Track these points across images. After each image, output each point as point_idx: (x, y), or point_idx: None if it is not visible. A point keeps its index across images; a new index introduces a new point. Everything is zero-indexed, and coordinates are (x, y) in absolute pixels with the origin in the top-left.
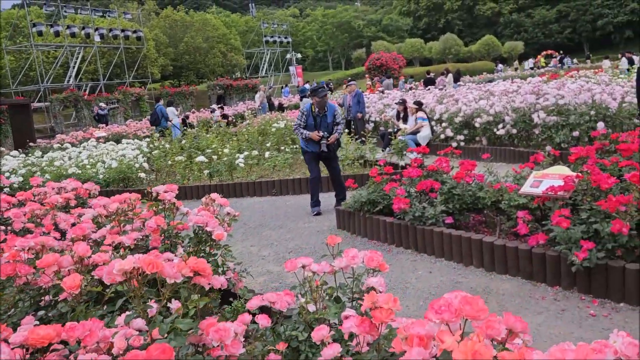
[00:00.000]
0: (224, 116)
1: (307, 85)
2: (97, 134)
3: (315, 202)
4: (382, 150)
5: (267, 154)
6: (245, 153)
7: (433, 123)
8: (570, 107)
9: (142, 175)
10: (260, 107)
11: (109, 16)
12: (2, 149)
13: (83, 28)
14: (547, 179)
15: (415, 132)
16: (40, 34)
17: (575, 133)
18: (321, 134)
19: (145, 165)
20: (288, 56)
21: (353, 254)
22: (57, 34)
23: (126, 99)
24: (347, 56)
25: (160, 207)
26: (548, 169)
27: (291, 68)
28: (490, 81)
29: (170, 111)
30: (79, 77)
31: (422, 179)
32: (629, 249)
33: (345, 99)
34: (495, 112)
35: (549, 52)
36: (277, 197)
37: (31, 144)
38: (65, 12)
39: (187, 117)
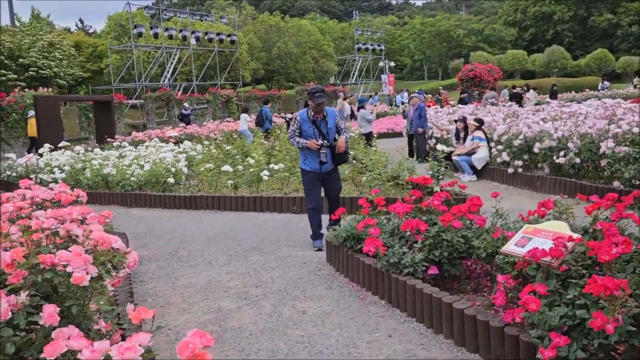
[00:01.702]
0: (288, 123)
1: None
2: (169, 133)
3: (317, 235)
4: None
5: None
6: (280, 165)
7: (493, 144)
8: None
9: (171, 180)
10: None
11: (205, 20)
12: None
13: (180, 31)
14: (537, 237)
15: (471, 153)
16: (140, 35)
17: None
18: (320, 142)
19: (185, 169)
20: (381, 64)
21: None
22: (156, 35)
23: (216, 100)
24: (445, 66)
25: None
26: (543, 224)
27: (383, 76)
28: (586, 99)
29: (243, 117)
30: (174, 77)
31: (417, 215)
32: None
33: (408, 112)
34: (558, 137)
35: None
36: (296, 214)
37: (109, 139)
38: (165, 15)
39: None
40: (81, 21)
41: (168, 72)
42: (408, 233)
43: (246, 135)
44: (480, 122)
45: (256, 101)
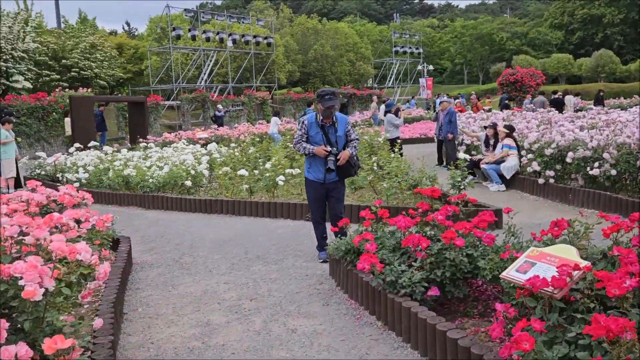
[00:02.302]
0: None
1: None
2: (199, 134)
3: (322, 246)
4: None
5: None
6: (297, 170)
7: (524, 152)
8: None
9: (188, 183)
10: (372, 118)
11: (243, 22)
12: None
13: (218, 33)
14: (542, 262)
15: (500, 162)
16: (178, 37)
17: None
18: (329, 148)
19: (206, 172)
20: (419, 67)
21: None
22: (193, 38)
23: (250, 102)
24: (486, 70)
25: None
26: (550, 248)
27: (421, 80)
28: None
29: (274, 121)
30: (210, 79)
31: (423, 231)
32: None
33: (438, 116)
34: (593, 146)
35: None
36: (309, 222)
37: (140, 139)
38: (204, 17)
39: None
40: (127, 24)
41: (205, 73)
42: (412, 249)
43: (275, 138)
44: (510, 129)
45: (291, 104)
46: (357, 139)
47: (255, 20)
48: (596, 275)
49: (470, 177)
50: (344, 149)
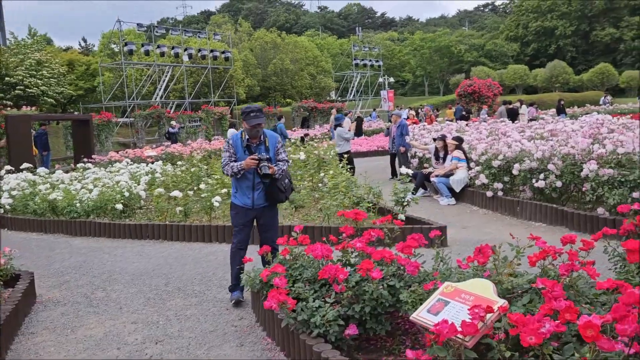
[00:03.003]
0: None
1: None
2: (147, 152)
3: (236, 284)
4: (413, 193)
5: None
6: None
7: (473, 164)
8: (638, 158)
9: (119, 206)
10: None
11: (199, 37)
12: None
13: (173, 48)
14: (455, 301)
15: (449, 174)
16: (131, 52)
17: (636, 194)
18: (257, 155)
19: (143, 194)
20: (380, 80)
21: None
22: (147, 53)
23: (208, 118)
24: (446, 81)
25: None
26: (465, 283)
27: (382, 92)
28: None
29: (230, 133)
30: (166, 95)
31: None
32: None
33: (390, 129)
34: (538, 157)
35: None
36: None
37: (85, 159)
38: (157, 32)
39: None
40: (84, 40)
41: (160, 89)
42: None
43: None
44: (459, 140)
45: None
46: (287, 160)
47: (212, 34)
48: (510, 320)
49: (422, 190)
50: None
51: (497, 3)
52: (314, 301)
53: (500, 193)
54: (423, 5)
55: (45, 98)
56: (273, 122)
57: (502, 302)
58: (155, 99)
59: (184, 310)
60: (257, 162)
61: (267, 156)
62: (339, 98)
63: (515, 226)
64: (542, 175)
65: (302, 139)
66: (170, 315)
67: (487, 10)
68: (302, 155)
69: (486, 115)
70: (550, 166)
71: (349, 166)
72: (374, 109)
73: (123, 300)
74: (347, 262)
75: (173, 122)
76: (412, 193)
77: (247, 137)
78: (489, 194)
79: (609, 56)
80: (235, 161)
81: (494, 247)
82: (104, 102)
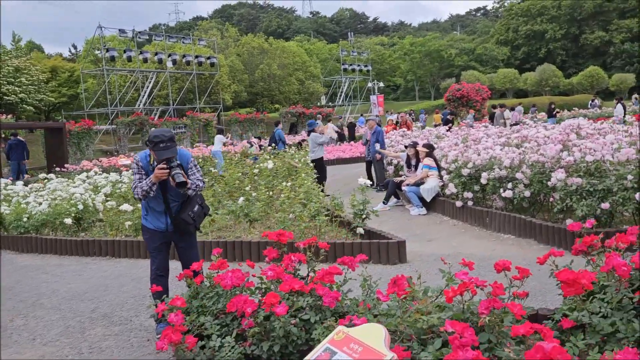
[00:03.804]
0: (261, 147)
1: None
2: (121, 161)
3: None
4: (384, 203)
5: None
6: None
7: (444, 172)
8: (607, 166)
9: (68, 221)
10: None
11: (184, 43)
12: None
13: (156, 54)
14: (343, 352)
15: (420, 183)
16: (112, 58)
17: (605, 205)
18: (164, 165)
19: (100, 206)
20: (369, 85)
21: None
22: (129, 59)
23: (194, 124)
24: (437, 86)
25: None
26: (358, 329)
27: (372, 97)
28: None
29: (218, 139)
30: (150, 102)
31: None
32: None
33: (365, 136)
34: (507, 165)
35: None
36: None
37: (57, 168)
38: (140, 37)
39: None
40: (74, 46)
41: (143, 96)
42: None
43: (217, 157)
44: (430, 147)
45: (237, 124)
46: (202, 182)
47: (197, 40)
48: None
49: (394, 200)
50: (186, 198)
51: (488, 7)
52: (220, 338)
53: (470, 203)
54: (416, 9)
55: (24, 106)
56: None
57: (389, 356)
58: (139, 105)
59: (101, 341)
60: (168, 171)
61: (178, 162)
62: (330, 103)
63: (483, 238)
64: (510, 185)
65: (300, 144)
66: (84, 348)
67: (478, 14)
68: (270, 164)
69: (473, 120)
70: (519, 175)
71: (316, 175)
72: (361, 115)
73: (40, 330)
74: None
75: (153, 130)
76: (384, 203)
77: (155, 161)
78: (459, 204)
79: (599, 59)
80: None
81: (409, 279)
82: (86, 109)
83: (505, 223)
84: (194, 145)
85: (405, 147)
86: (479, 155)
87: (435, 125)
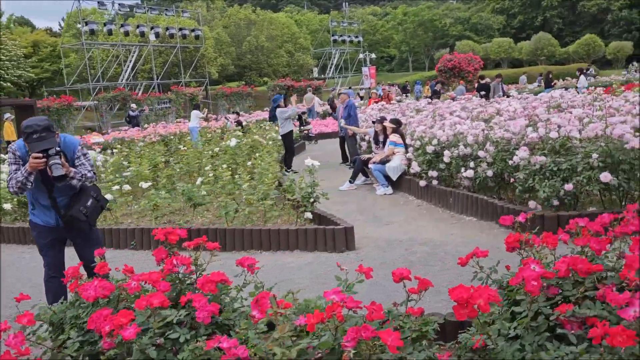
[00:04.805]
0: (238, 123)
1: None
2: (93, 139)
3: None
4: (350, 182)
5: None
6: (147, 183)
7: (411, 150)
8: (576, 143)
9: (7, 206)
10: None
11: (167, 15)
12: None
13: (138, 27)
14: None
15: (386, 161)
16: (92, 32)
17: (569, 186)
18: (39, 154)
19: None
20: (361, 56)
21: None
22: (110, 32)
23: (178, 99)
24: (431, 56)
25: None
26: None
27: (364, 69)
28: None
29: (194, 115)
30: (134, 76)
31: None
32: None
33: (338, 111)
34: (470, 142)
35: None
36: (136, 251)
37: None
38: (121, 10)
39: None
40: (64, 20)
41: (126, 70)
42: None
43: (193, 133)
44: (397, 123)
45: (224, 99)
46: (91, 172)
47: (181, 12)
48: None
49: (363, 178)
50: (77, 191)
51: None
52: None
53: (434, 182)
54: None
55: (0, 82)
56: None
57: None
58: (122, 80)
59: None
60: (45, 160)
61: (58, 149)
62: (321, 76)
63: (444, 221)
64: (472, 164)
65: (300, 118)
66: None
67: None
68: (233, 142)
69: (464, 92)
70: (481, 153)
71: (285, 154)
72: (350, 87)
73: None
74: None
75: (133, 105)
76: (350, 181)
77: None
78: (422, 183)
79: (596, 27)
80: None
81: (271, 299)
82: (67, 84)
83: (469, 204)
84: (175, 121)
85: (373, 122)
86: (443, 131)
87: (426, 98)
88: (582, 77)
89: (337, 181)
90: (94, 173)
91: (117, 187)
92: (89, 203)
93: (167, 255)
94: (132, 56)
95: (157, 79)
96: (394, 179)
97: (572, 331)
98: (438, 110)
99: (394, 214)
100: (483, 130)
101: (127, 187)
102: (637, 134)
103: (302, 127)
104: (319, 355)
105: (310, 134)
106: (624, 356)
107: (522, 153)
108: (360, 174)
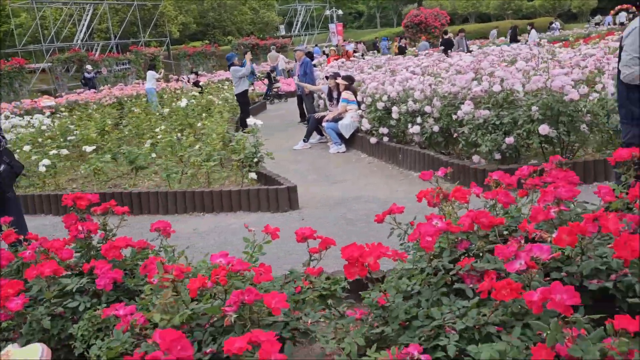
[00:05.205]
0: (196, 84)
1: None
2: (44, 102)
3: None
4: (304, 141)
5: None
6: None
7: (364, 107)
8: (519, 97)
9: None
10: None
11: None
12: None
13: None
14: None
15: (339, 119)
16: None
17: (509, 139)
18: None
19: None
20: (327, 13)
21: None
22: None
23: (138, 60)
24: (399, 12)
25: None
26: (21, 350)
27: (331, 26)
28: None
29: (150, 75)
30: (90, 36)
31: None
32: None
33: (295, 68)
34: (418, 98)
35: (624, 6)
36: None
37: None
38: None
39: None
40: None
41: (81, 30)
42: None
43: (151, 95)
44: (349, 80)
45: (187, 58)
46: (2, 137)
47: None
48: None
49: (318, 137)
50: None
51: None
52: None
53: (385, 139)
54: None
55: None
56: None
57: None
58: (77, 41)
59: None
60: None
61: None
62: (287, 33)
63: (393, 178)
64: (418, 119)
65: (269, 75)
66: None
67: None
68: (183, 102)
69: (427, 48)
70: (428, 108)
71: (240, 113)
72: (316, 45)
73: None
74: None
75: (88, 67)
76: (304, 140)
77: None
78: (373, 140)
79: None
80: None
81: (158, 264)
82: (19, 46)
83: (417, 160)
84: (134, 83)
85: (326, 77)
86: (393, 87)
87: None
88: (533, 31)
89: (294, 140)
90: (3, 137)
91: (54, 151)
92: (0, 168)
93: (76, 221)
94: (87, 15)
95: (114, 39)
96: (347, 136)
97: (471, 285)
98: (389, 66)
99: (345, 172)
100: (430, 85)
101: (64, 151)
102: (578, 85)
103: (271, 86)
104: (215, 320)
105: (280, 92)
106: (514, 309)
107: (466, 107)
108: (315, 133)
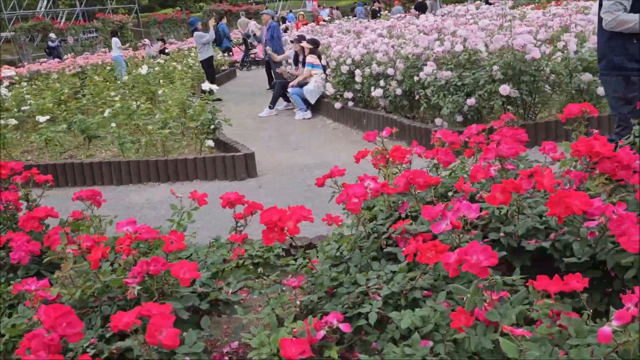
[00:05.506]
0: (162, 51)
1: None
2: (4, 73)
3: None
4: (270, 107)
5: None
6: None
7: (329, 71)
8: (482, 57)
9: None
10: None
11: None
12: None
13: None
14: None
15: (305, 84)
16: None
17: (471, 100)
18: None
19: None
20: None
21: None
22: None
23: (106, 28)
24: None
25: None
26: None
27: None
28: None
29: (114, 42)
30: (54, 4)
31: None
32: None
33: (262, 33)
34: (381, 60)
35: None
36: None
37: None
38: None
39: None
40: None
41: None
42: None
43: (118, 64)
44: (314, 43)
45: (156, 26)
46: None
47: None
48: None
49: (285, 103)
50: None
51: None
52: None
53: (350, 104)
54: None
55: None
56: None
57: None
58: (40, 9)
59: None
60: None
61: None
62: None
63: (357, 143)
64: (381, 82)
65: (245, 41)
66: None
67: None
68: (144, 70)
69: (401, 12)
70: (390, 70)
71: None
72: (290, 10)
73: None
74: None
75: (52, 35)
76: (270, 107)
77: None
78: (338, 105)
79: None
80: None
81: (61, 235)
82: None
83: (381, 125)
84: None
85: (291, 42)
86: (357, 49)
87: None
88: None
89: (261, 108)
90: None
91: (2, 121)
92: None
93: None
94: None
95: (80, 6)
96: (312, 102)
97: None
98: (354, 27)
99: (310, 138)
100: (393, 47)
101: (12, 121)
102: (539, 43)
103: (248, 52)
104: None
105: (257, 58)
106: (444, 272)
107: (428, 69)
108: (282, 99)
